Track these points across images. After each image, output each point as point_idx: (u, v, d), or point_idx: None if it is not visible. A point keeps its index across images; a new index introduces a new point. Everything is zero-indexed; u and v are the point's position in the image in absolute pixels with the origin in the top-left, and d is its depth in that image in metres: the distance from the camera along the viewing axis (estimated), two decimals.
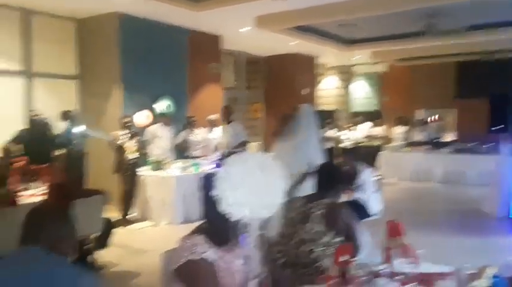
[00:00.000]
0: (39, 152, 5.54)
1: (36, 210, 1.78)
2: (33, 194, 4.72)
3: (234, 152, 2.25)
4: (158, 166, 6.83)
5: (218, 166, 6.42)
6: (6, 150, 5.36)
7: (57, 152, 5.25)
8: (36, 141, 5.79)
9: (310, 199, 2.70)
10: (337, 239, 2.54)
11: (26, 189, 4.71)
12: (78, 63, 8.01)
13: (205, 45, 9.20)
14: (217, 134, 7.80)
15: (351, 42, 11.08)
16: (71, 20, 7.88)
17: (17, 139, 5.87)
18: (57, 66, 7.75)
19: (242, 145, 7.24)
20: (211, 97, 9.37)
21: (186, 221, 6.33)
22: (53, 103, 7.29)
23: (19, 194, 4.22)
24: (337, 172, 2.86)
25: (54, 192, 3.74)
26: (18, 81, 7.26)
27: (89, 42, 7.90)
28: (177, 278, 1.72)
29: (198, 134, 7.87)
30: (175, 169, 6.76)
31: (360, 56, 12.54)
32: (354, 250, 2.31)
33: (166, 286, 1.91)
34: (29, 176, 5.03)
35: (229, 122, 7.58)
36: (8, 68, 7.13)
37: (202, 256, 1.70)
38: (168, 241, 2.13)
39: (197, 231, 1.80)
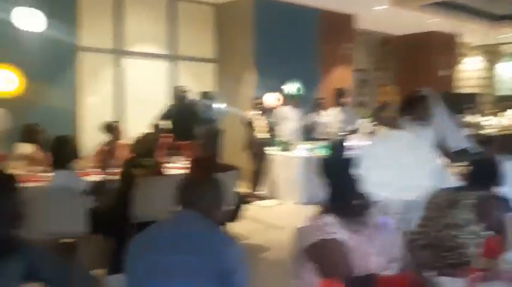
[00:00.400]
0: (183, 128, 6.09)
1: (189, 179, 1.96)
2: (176, 167, 5.23)
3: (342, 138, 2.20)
4: (286, 146, 7.03)
5: (338, 149, 6.33)
6: (156, 126, 5.98)
7: (198, 129, 5.72)
8: (182, 118, 6.35)
9: (459, 188, 2.54)
10: (487, 232, 2.36)
11: (170, 162, 5.23)
12: (217, 47, 8.52)
13: (337, 26, 9.06)
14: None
15: (499, 18, 9.96)
16: (210, 5, 8.39)
17: (165, 116, 6.51)
18: (198, 50, 8.34)
19: (352, 133, 6.88)
20: (341, 79, 9.25)
21: (310, 201, 6.42)
22: (194, 85, 7.90)
23: (165, 165, 4.69)
24: (492, 166, 2.63)
25: (196, 166, 4.08)
26: (164, 64, 8.00)
27: (226, 26, 8.35)
28: (307, 257, 1.76)
29: (326, 116, 7.85)
30: (302, 150, 6.88)
31: (511, 35, 11.22)
32: (505, 245, 2.14)
33: (297, 262, 1.98)
34: (173, 151, 5.57)
35: (341, 106, 7.39)
36: (156, 51, 7.89)
37: (333, 236, 1.71)
38: (295, 219, 2.18)
39: (327, 210, 1.81)
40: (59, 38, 6.22)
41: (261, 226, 5.52)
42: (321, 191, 1.89)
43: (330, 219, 1.77)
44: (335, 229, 1.74)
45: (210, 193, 1.86)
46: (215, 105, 7.07)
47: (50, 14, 5.99)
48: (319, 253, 1.72)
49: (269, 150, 7.03)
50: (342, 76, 9.33)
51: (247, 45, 7.95)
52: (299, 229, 2.18)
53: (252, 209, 5.94)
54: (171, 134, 5.88)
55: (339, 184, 1.81)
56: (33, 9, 5.87)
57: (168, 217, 1.93)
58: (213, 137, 4.61)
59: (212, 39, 8.50)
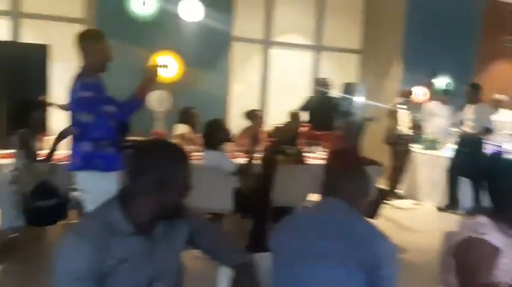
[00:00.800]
0: (323, 119, 6.11)
1: (334, 169, 1.97)
2: (315, 157, 5.29)
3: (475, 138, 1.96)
4: (432, 144, 6.62)
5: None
6: (296, 115, 6.11)
7: (340, 121, 5.70)
8: (322, 109, 6.39)
9: None
10: None
11: (309, 152, 5.31)
12: (363, 37, 8.34)
13: (501, 17, 8.15)
14: (504, 117, 6.92)
15: None
16: None
17: (305, 106, 6.61)
18: (343, 40, 8.26)
19: (486, 133, 6.06)
20: (501, 75, 8.34)
21: (455, 206, 5.97)
22: (337, 75, 7.85)
23: (305, 155, 4.78)
24: None
25: (337, 158, 4.08)
26: (308, 54, 8.10)
27: (374, 16, 8.10)
28: (453, 255, 1.67)
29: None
30: (451, 149, 6.40)
31: None
32: None
33: (443, 267, 1.88)
34: (312, 141, 5.65)
35: (475, 103, 6.57)
36: (301, 42, 8.02)
37: (483, 236, 1.61)
38: (435, 223, 2.06)
39: (481, 212, 1.70)
40: (217, 27, 6.69)
41: (397, 226, 5.31)
42: (469, 194, 1.78)
43: (483, 219, 1.66)
44: (488, 230, 1.62)
45: (356, 182, 1.85)
46: (357, 97, 6.94)
47: (209, 5, 6.49)
48: (466, 252, 1.63)
49: (413, 147, 6.69)
50: (503, 71, 8.40)
51: (395, 37, 7.63)
52: (448, 232, 2.06)
53: (389, 208, 5.75)
54: (309, 124, 5.96)
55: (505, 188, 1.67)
56: (195, 1, 6.45)
57: (312, 204, 1.97)
58: (355, 129, 4.55)
59: (359, 30, 8.34)
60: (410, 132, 6.62)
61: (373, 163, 4.32)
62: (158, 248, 1.55)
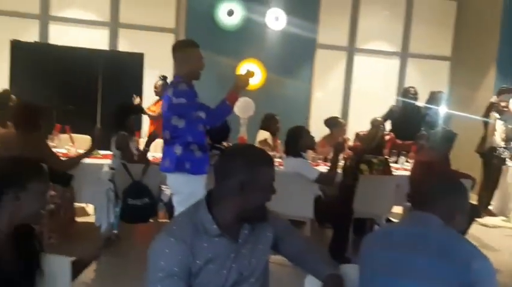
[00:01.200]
0: (407, 129, 5.89)
1: (428, 181, 1.88)
2: (399, 167, 5.11)
3: None
4: None
5: None
6: (379, 123, 5.93)
7: (425, 131, 5.46)
8: (406, 117, 6.16)
9: None
10: None
11: (393, 162, 5.14)
12: (454, 44, 7.93)
13: None
14: None
15: None
16: (452, 0, 7.83)
17: (388, 115, 6.40)
18: (432, 47, 7.90)
19: None
20: None
21: None
22: (424, 83, 7.53)
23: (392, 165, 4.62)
24: None
25: (426, 169, 3.92)
26: (393, 62, 7.85)
27: (468, 22, 7.67)
28: None
29: None
30: None
31: None
32: None
33: None
34: (396, 151, 5.46)
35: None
36: (386, 49, 7.80)
37: None
38: None
39: None
40: (302, 35, 6.72)
41: (481, 244, 4.94)
42: None
43: None
44: None
45: (453, 197, 1.76)
46: (444, 107, 6.59)
47: (295, 13, 6.55)
48: None
49: (507, 160, 6.22)
50: None
51: (490, 43, 7.16)
52: None
53: (476, 225, 5.38)
54: (392, 133, 5.77)
55: None
56: (279, 10, 6.55)
57: (401, 217, 1.91)
58: (446, 140, 4.33)
59: (449, 36, 7.94)
60: (505, 144, 6.17)
61: (464, 176, 4.08)
62: (243, 251, 1.59)
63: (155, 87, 5.76)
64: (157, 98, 5.71)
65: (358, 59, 7.71)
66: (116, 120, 4.10)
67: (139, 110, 4.13)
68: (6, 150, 3.38)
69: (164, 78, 5.73)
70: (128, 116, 4.08)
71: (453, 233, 1.68)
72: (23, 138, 3.45)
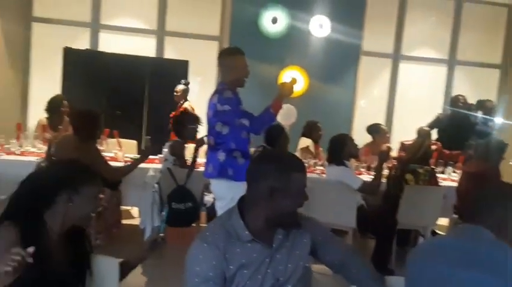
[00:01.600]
0: (454, 138, 5.71)
1: (480, 192, 1.80)
2: (446, 178, 4.95)
3: None
4: None
5: None
6: (426, 132, 5.76)
7: (473, 141, 5.26)
8: (453, 127, 5.97)
9: None
10: None
11: (440, 172, 4.98)
12: (505, 51, 7.63)
13: None
14: None
15: None
16: (503, 6, 7.55)
17: (434, 124, 6.21)
18: (481, 54, 7.64)
19: None
20: None
21: None
22: (472, 92, 7.28)
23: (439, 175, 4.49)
24: None
25: (474, 181, 3.78)
26: (441, 70, 7.63)
27: None
28: None
29: None
30: None
31: None
32: None
33: None
34: (442, 160, 5.29)
35: None
36: (433, 56, 7.60)
37: None
38: None
39: None
40: (346, 42, 6.66)
41: None
42: None
43: None
44: None
45: (503, 209, 1.68)
46: (494, 116, 6.33)
47: (339, 20, 6.51)
48: None
49: None
50: None
51: None
52: None
53: None
54: (439, 143, 5.60)
55: None
56: (324, 17, 6.53)
57: (450, 230, 1.85)
58: (496, 151, 4.16)
59: (499, 43, 7.65)
60: None
61: None
62: (278, 256, 1.58)
63: (176, 91, 5.74)
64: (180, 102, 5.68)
65: (403, 66, 7.55)
66: (174, 128, 4.22)
67: (197, 120, 4.23)
68: (63, 154, 3.50)
69: (186, 83, 5.81)
70: (186, 125, 4.17)
71: (505, 248, 1.61)
72: (79, 145, 3.54)
